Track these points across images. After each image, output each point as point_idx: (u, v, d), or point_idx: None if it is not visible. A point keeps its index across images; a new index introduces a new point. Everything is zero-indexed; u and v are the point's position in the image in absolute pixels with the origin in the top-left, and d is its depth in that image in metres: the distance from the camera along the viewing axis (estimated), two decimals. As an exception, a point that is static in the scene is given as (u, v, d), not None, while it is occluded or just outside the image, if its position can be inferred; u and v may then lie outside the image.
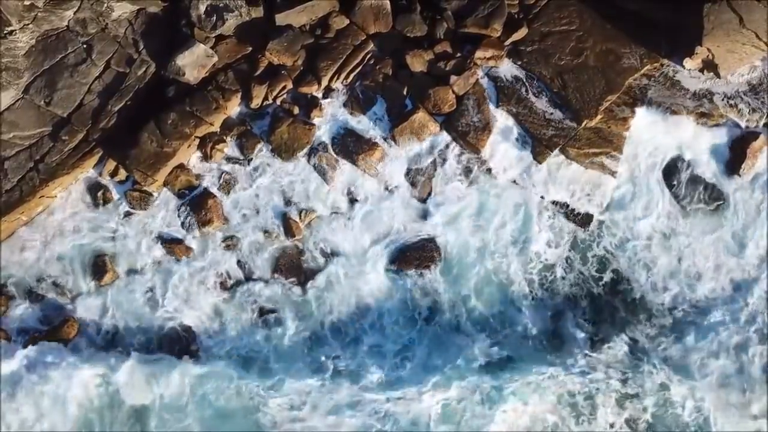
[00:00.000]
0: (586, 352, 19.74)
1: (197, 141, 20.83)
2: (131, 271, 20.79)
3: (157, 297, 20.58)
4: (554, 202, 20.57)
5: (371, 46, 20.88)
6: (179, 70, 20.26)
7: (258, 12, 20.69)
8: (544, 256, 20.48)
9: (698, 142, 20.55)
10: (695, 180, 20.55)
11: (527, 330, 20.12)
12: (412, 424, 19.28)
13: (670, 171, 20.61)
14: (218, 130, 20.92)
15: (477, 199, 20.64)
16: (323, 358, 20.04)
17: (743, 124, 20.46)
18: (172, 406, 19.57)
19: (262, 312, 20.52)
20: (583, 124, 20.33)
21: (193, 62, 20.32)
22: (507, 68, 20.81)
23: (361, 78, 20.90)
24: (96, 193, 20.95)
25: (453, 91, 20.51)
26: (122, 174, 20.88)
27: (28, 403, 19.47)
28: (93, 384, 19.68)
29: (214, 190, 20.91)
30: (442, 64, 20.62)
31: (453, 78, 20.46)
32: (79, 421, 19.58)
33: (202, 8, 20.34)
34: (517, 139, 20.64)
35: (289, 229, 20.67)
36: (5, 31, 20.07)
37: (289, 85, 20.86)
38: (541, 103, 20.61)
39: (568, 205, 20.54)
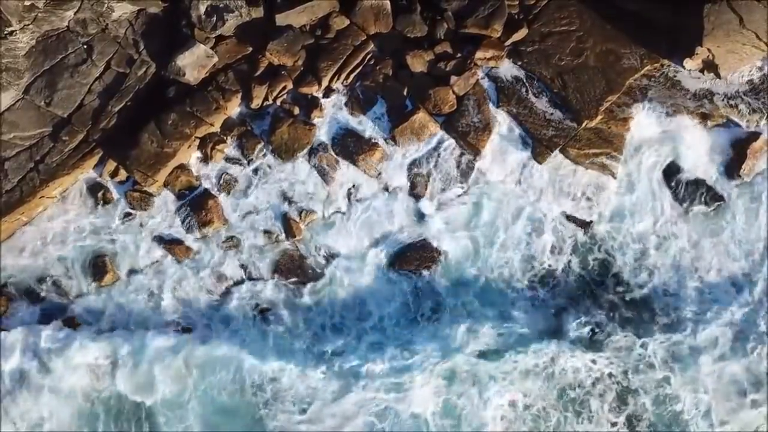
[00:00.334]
0: (585, 346, 19.77)
1: (197, 141, 20.83)
2: (131, 272, 20.77)
3: (157, 297, 20.57)
4: (555, 204, 20.57)
5: (371, 46, 20.88)
6: (179, 70, 20.26)
7: (258, 12, 20.69)
8: (545, 258, 20.45)
9: (699, 143, 20.56)
10: (695, 181, 20.54)
11: (528, 325, 20.10)
12: (412, 420, 19.28)
13: (671, 172, 20.62)
14: (218, 130, 20.92)
15: (477, 200, 20.64)
16: (325, 350, 20.01)
17: (744, 125, 20.46)
18: (173, 402, 19.63)
19: (263, 311, 20.50)
20: (584, 125, 20.33)
21: (194, 63, 20.32)
22: (507, 69, 20.83)
23: (362, 78, 20.90)
24: (96, 193, 20.94)
25: (453, 92, 20.52)
26: (122, 174, 20.88)
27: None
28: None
29: (214, 190, 20.90)
30: (442, 65, 20.63)
31: (453, 78, 20.47)
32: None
33: (203, 9, 20.35)
34: (517, 140, 20.64)
35: (289, 230, 20.66)
36: (5, 32, 20.08)
37: (290, 86, 20.86)
38: (542, 104, 20.62)
39: (568, 207, 20.53)
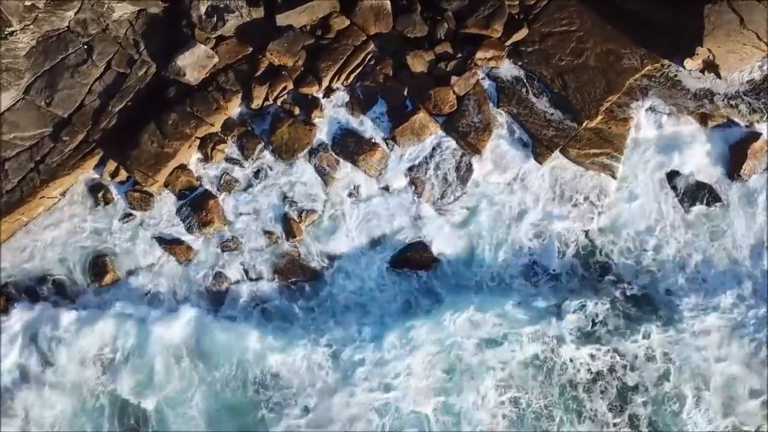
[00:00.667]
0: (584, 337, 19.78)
1: (198, 142, 20.82)
2: (132, 272, 20.76)
3: (157, 297, 20.57)
4: (555, 204, 20.57)
5: (372, 46, 20.89)
6: (180, 70, 20.27)
7: (258, 12, 20.71)
8: (544, 258, 20.45)
9: (699, 143, 20.55)
10: (696, 181, 20.53)
11: (529, 315, 20.07)
12: (413, 414, 19.31)
13: (671, 172, 20.60)
14: (219, 130, 20.92)
15: (477, 200, 20.63)
16: (325, 344, 19.99)
17: (744, 125, 20.45)
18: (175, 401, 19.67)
19: (263, 310, 20.49)
20: (584, 125, 20.33)
21: (194, 63, 20.33)
22: (507, 69, 20.84)
23: (362, 78, 20.91)
24: (96, 193, 20.94)
25: (453, 92, 20.52)
26: (123, 174, 20.87)
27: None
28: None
29: (214, 190, 20.90)
30: (442, 65, 20.63)
31: (453, 78, 20.47)
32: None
33: (203, 9, 20.36)
34: (517, 140, 20.65)
35: (289, 230, 20.65)
36: (6, 32, 20.10)
37: (290, 86, 20.86)
38: (542, 104, 20.62)
39: (569, 207, 20.53)
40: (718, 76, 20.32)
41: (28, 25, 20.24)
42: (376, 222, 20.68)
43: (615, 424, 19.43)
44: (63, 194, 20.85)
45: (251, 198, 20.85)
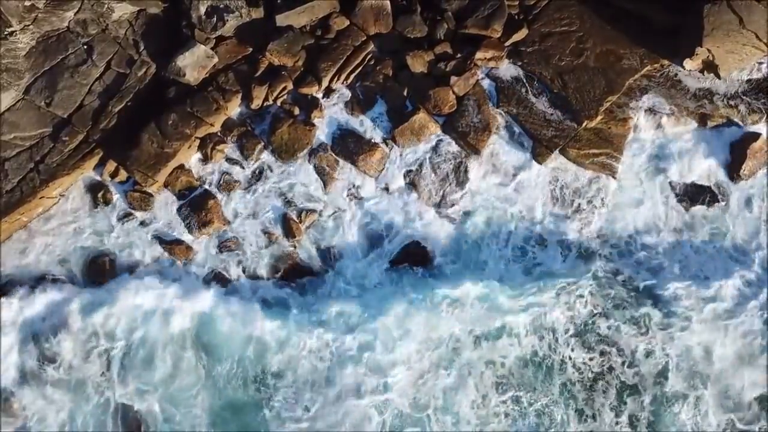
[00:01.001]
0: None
1: (198, 142, 20.83)
2: (131, 272, 20.73)
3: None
4: (554, 204, 20.58)
5: (371, 46, 20.90)
6: (180, 71, 20.28)
7: (258, 13, 20.72)
8: (544, 258, 20.45)
9: (699, 143, 20.56)
10: (696, 181, 20.53)
11: None
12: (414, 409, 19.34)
13: (671, 172, 20.60)
14: (219, 130, 20.93)
15: (476, 201, 20.63)
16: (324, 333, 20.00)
17: (744, 125, 20.46)
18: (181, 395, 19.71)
19: (263, 300, 20.46)
20: (584, 125, 20.34)
21: (194, 63, 20.34)
22: (507, 69, 20.86)
23: (362, 79, 20.92)
24: (96, 193, 20.92)
25: (453, 92, 20.53)
26: (123, 175, 20.86)
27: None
28: None
29: (214, 190, 20.91)
30: (442, 65, 20.64)
31: (453, 79, 20.49)
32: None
33: (203, 9, 20.38)
34: (517, 140, 20.65)
35: (289, 230, 20.65)
36: (6, 32, 20.10)
37: (290, 86, 20.87)
38: (542, 104, 20.63)
39: (569, 208, 20.53)
40: (718, 76, 20.33)
41: (28, 25, 20.25)
42: (376, 222, 20.68)
43: (616, 423, 19.49)
44: (63, 194, 20.85)
45: (251, 198, 20.85)
